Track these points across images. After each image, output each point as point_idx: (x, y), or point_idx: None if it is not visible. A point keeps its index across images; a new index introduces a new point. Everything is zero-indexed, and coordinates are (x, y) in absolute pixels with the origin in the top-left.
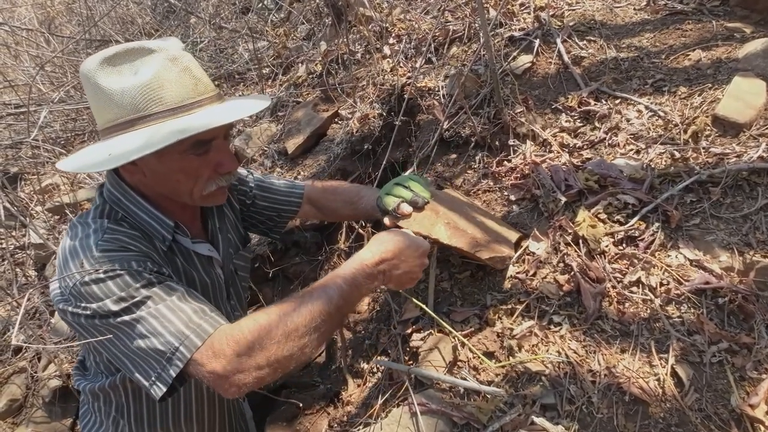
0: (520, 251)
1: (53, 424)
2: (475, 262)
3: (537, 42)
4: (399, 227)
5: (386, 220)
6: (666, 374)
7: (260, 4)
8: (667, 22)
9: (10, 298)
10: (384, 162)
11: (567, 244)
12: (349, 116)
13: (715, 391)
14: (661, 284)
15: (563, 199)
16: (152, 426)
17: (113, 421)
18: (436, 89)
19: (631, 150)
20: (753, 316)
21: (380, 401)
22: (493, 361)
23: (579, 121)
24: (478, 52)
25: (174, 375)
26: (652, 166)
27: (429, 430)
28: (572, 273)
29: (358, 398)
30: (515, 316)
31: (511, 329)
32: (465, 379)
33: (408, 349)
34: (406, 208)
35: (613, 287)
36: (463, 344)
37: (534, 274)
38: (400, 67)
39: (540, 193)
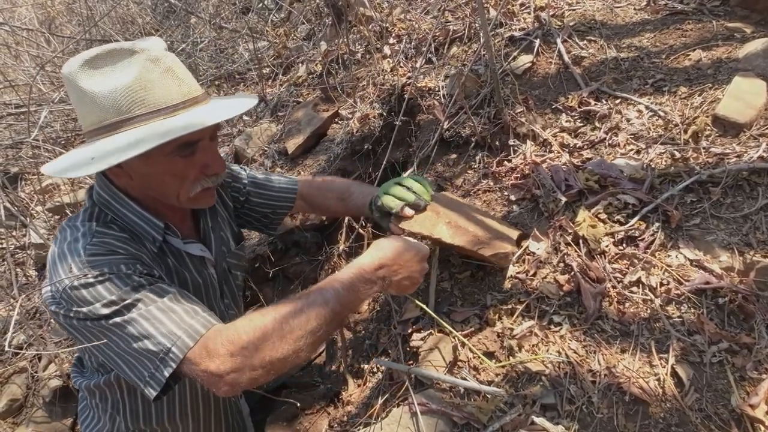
0: (520, 251)
1: (54, 424)
2: (475, 262)
3: (537, 42)
4: (401, 229)
5: (391, 226)
6: (666, 374)
7: (260, 4)
8: (667, 22)
9: (10, 298)
10: (384, 162)
11: (567, 244)
12: (350, 116)
13: (715, 391)
14: (662, 284)
15: (563, 199)
16: (147, 422)
17: (110, 418)
18: (437, 89)
19: (632, 150)
20: (753, 316)
21: (380, 401)
22: (494, 361)
23: (579, 121)
24: (478, 52)
25: (167, 375)
26: (653, 166)
27: (429, 430)
28: (572, 273)
29: (358, 398)
30: (515, 316)
31: (512, 329)
32: (465, 379)
33: (408, 349)
34: (408, 211)
35: (614, 287)
36: (463, 344)
37: (534, 274)
38: (401, 67)
39: (540, 193)
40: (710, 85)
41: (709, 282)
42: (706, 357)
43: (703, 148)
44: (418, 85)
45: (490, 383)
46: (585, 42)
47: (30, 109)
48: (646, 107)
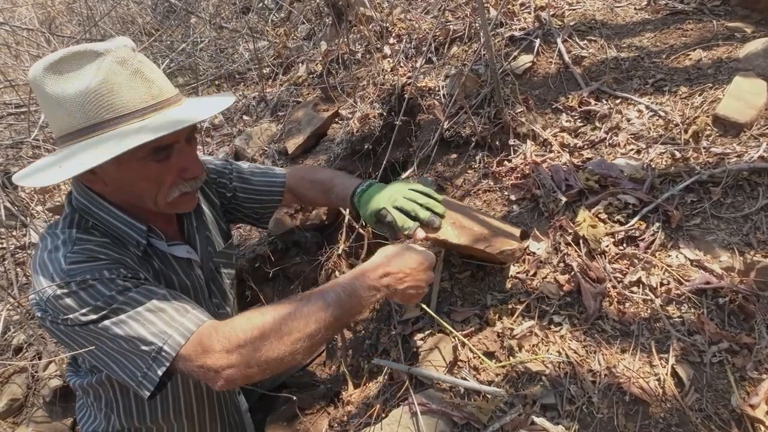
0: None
1: (54, 424)
2: (475, 262)
3: (537, 42)
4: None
5: (397, 232)
6: (666, 374)
7: (260, 4)
8: (667, 22)
9: (11, 298)
10: (384, 162)
11: (567, 244)
12: (350, 116)
13: (715, 391)
14: (662, 284)
15: (563, 199)
16: (142, 420)
17: (105, 416)
18: (437, 89)
19: (632, 150)
20: (753, 316)
21: (380, 401)
22: (494, 361)
23: (579, 120)
24: (478, 51)
25: (161, 374)
26: (653, 165)
27: (429, 430)
28: (572, 273)
29: (358, 398)
30: (515, 316)
31: (512, 329)
32: (465, 379)
33: (408, 349)
34: (420, 234)
35: (614, 287)
36: (463, 344)
37: (534, 274)
38: (401, 66)
39: (540, 193)
40: (711, 84)
41: (709, 282)
42: (706, 357)
43: (704, 148)
44: (419, 84)
45: (490, 383)
46: (585, 42)
47: (30, 109)
48: (647, 107)
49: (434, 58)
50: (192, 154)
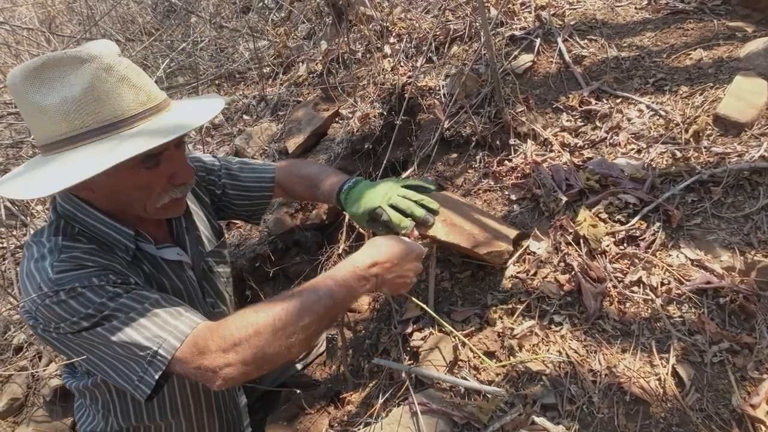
0: (520, 251)
1: (54, 423)
2: (475, 262)
3: (538, 41)
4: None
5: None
6: (667, 374)
7: (261, 3)
8: (668, 21)
9: (11, 297)
10: (385, 161)
11: (568, 244)
12: (350, 115)
13: (716, 391)
14: (662, 284)
15: (564, 199)
16: (140, 420)
17: (102, 417)
18: (437, 88)
19: (632, 149)
20: (754, 315)
21: (381, 401)
22: (494, 360)
23: (580, 120)
24: (478, 51)
25: (157, 377)
26: (653, 165)
27: (429, 430)
28: (573, 273)
29: (358, 398)
30: (516, 315)
31: (512, 329)
32: (465, 378)
33: (408, 348)
34: (415, 232)
35: (614, 287)
36: (463, 344)
37: (535, 274)
38: (401, 66)
39: (541, 193)
40: (711, 84)
41: (710, 282)
42: (707, 357)
43: (704, 147)
44: (419, 84)
45: (490, 383)
46: (586, 41)
47: None
48: (647, 106)
49: (435, 58)
50: (182, 160)
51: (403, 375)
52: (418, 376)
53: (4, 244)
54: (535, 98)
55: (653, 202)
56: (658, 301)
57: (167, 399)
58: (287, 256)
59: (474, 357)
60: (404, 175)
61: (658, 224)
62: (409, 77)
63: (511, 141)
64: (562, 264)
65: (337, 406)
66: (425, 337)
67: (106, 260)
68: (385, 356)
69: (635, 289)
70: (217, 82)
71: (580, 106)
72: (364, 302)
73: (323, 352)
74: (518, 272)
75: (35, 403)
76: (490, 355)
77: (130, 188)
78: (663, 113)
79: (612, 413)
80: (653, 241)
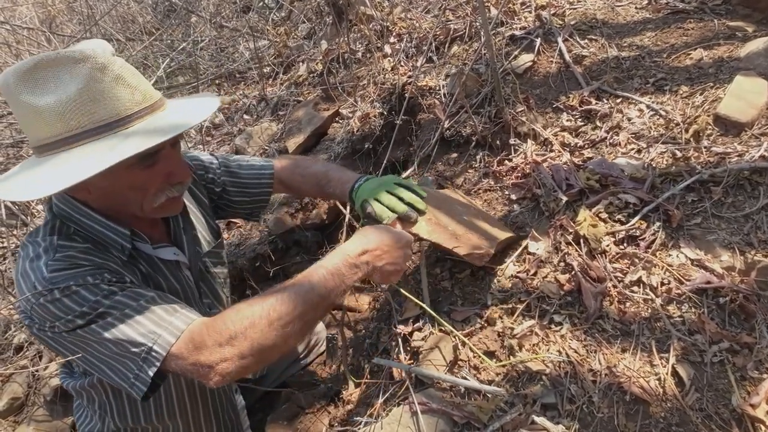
0: (519, 249)
1: (54, 423)
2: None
3: (538, 41)
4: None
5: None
6: (667, 374)
7: (261, 3)
8: (668, 21)
9: (11, 297)
10: (385, 161)
11: (568, 244)
12: (350, 115)
13: (716, 390)
14: (662, 284)
15: (564, 199)
16: (136, 421)
17: (99, 417)
18: (437, 88)
19: (633, 149)
20: (754, 315)
21: (381, 400)
22: (494, 360)
23: (580, 120)
24: (479, 51)
25: (152, 374)
26: (654, 165)
27: (429, 430)
28: (573, 272)
29: (358, 397)
30: (516, 315)
31: (512, 328)
32: (466, 378)
33: (409, 348)
34: (398, 225)
35: (614, 287)
36: (463, 343)
37: (535, 274)
38: (401, 66)
39: (541, 193)
40: (712, 84)
41: (710, 281)
42: (706, 356)
43: (705, 147)
44: (419, 84)
45: (490, 383)
46: (586, 41)
47: None
48: (647, 106)
49: (435, 58)
50: (178, 159)
51: (404, 375)
52: (419, 375)
53: (5, 244)
54: (535, 98)
55: (653, 202)
56: (658, 301)
57: (163, 400)
58: (287, 255)
59: (474, 357)
60: (404, 174)
61: (658, 224)
62: (410, 77)
63: (512, 141)
64: (562, 264)
65: (337, 405)
66: (425, 336)
67: (102, 259)
68: (386, 356)
69: (635, 288)
70: (217, 81)
71: (580, 106)
72: (364, 302)
73: (323, 352)
74: (518, 272)
75: (36, 403)
76: (490, 354)
77: (127, 188)
78: (663, 113)
79: (612, 413)
80: (653, 241)
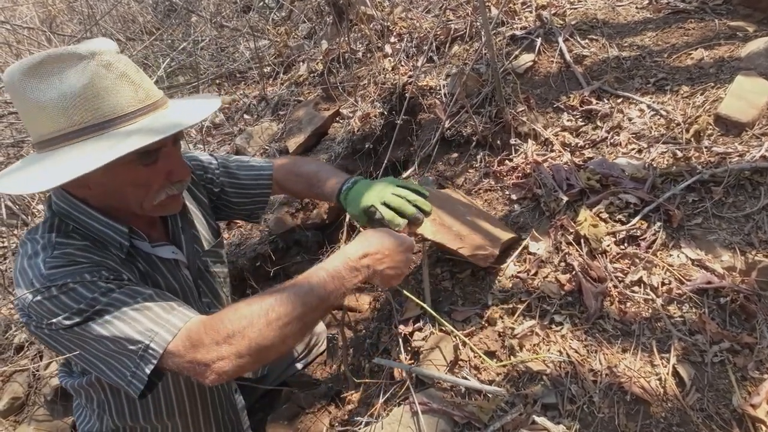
0: (519, 249)
1: (55, 422)
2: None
3: (539, 41)
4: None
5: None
6: (667, 374)
7: (261, 3)
8: (669, 21)
9: (11, 296)
10: (385, 161)
11: (568, 244)
12: (351, 115)
13: (716, 390)
14: (663, 284)
15: (565, 199)
16: (135, 420)
17: (98, 416)
18: (438, 88)
19: (633, 149)
20: (755, 315)
21: (381, 400)
22: (495, 360)
23: (581, 120)
24: (479, 50)
25: (149, 372)
26: (654, 165)
27: (430, 430)
28: (573, 272)
29: (359, 397)
30: (516, 315)
31: (513, 328)
32: (466, 378)
33: (409, 348)
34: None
35: (615, 287)
36: (464, 343)
37: (535, 274)
38: (402, 65)
39: (541, 193)
40: (712, 84)
41: (710, 282)
42: (707, 357)
43: (705, 147)
44: (420, 84)
45: (491, 383)
46: (587, 41)
47: None
48: (648, 106)
49: (435, 57)
50: (178, 157)
51: (404, 374)
52: (419, 375)
53: (5, 243)
54: (535, 98)
55: (654, 202)
56: (659, 301)
57: (162, 399)
58: (288, 255)
59: (475, 357)
60: (405, 174)
61: (658, 224)
62: (410, 77)
63: (512, 141)
64: (563, 264)
65: (337, 405)
66: (426, 336)
67: (100, 257)
68: (386, 356)
69: (636, 288)
70: (217, 81)
71: (580, 106)
72: (364, 302)
73: (324, 351)
74: (519, 272)
75: (36, 402)
76: (491, 354)
77: (127, 185)
78: (664, 113)
79: (612, 413)
80: (654, 241)
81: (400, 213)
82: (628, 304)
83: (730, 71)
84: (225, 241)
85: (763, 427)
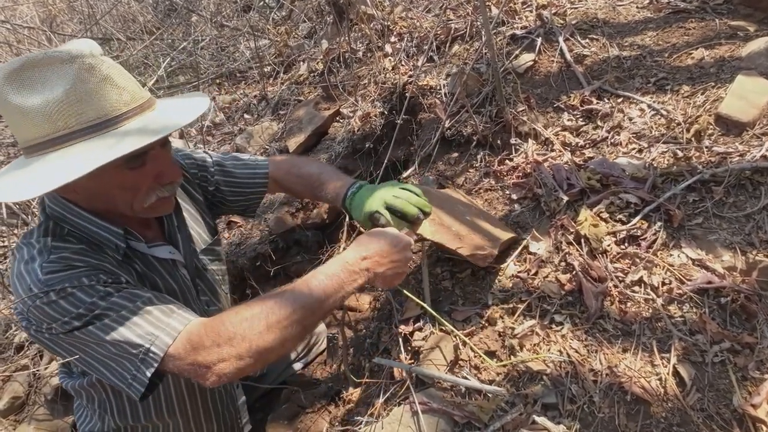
0: (519, 249)
1: (55, 422)
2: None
3: (539, 40)
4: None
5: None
6: (668, 374)
7: (261, 2)
8: (670, 21)
9: (11, 296)
10: (385, 160)
11: (569, 243)
12: (351, 115)
13: (717, 390)
14: (663, 284)
15: (565, 198)
16: (136, 419)
17: (99, 416)
18: (438, 88)
19: (634, 149)
20: (755, 315)
21: (381, 400)
22: (495, 360)
23: (581, 119)
24: (480, 50)
25: (150, 375)
26: (655, 165)
27: (430, 429)
28: (574, 272)
29: (359, 397)
30: (517, 315)
31: (513, 328)
32: (466, 378)
33: (409, 348)
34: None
35: (615, 286)
36: (464, 343)
37: (535, 274)
38: (402, 65)
39: (542, 192)
40: (713, 83)
41: (711, 281)
42: (708, 357)
43: (706, 147)
44: (420, 83)
45: (491, 382)
46: (587, 40)
47: None
48: (649, 106)
49: (435, 57)
50: (167, 159)
51: (404, 374)
52: (419, 375)
53: (6, 243)
54: (536, 97)
55: (654, 202)
56: (659, 301)
57: (163, 398)
58: (288, 255)
59: (475, 356)
60: (405, 174)
61: (659, 224)
62: (410, 76)
63: (512, 140)
64: (563, 263)
65: (337, 405)
66: (426, 336)
67: (96, 260)
68: (386, 355)
69: (636, 288)
70: (218, 81)
71: (581, 106)
72: (365, 301)
73: (324, 350)
74: (519, 272)
75: (36, 402)
76: (491, 354)
77: (114, 188)
78: (664, 113)
79: (613, 413)
80: (654, 241)
81: (403, 214)
82: (629, 304)
83: (731, 71)
84: (225, 241)
85: (764, 427)
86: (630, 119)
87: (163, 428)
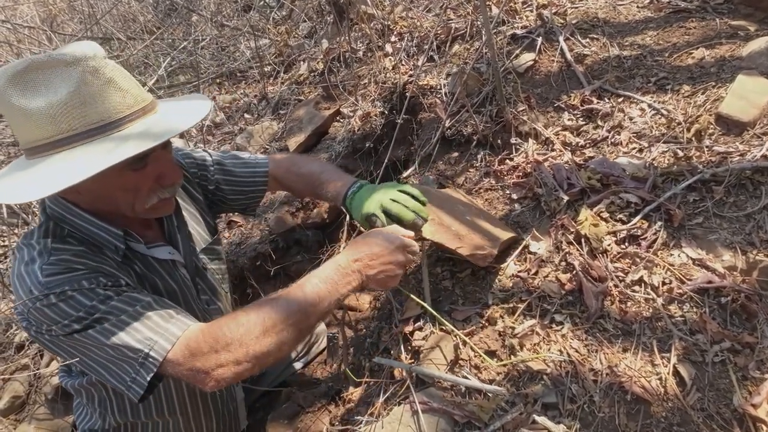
0: (519, 249)
1: (56, 421)
2: None
3: (539, 40)
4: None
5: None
6: (668, 373)
7: (262, 2)
8: (670, 20)
9: (12, 295)
10: (386, 160)
11: (569, 243)
12: (351, 114)
13: (717, 390)
14: (664, 283)
15: (565, 198)
16: (136, 417)
17: (100, 415)
18: (438, 87)
19: (634, 148)
20: (756, 315)
21: (381, 399)
22: (495, 359)
23: (581, 119)
24: (480, 50)
25: (149, 379)
26: (655, 164)
27: (430, 429)
28: (574, 272)
29: (359, 397)
30: (517, 314)
31: (513, 328)
32: (466, 377)
33: (409, 347)
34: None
35: (615, 286)
36: (464, 343)
37: (536, 273)
38: (402, 65)
39: (542, 192)
40: (713, 83)
41: (711, 281)
42: (708, 356)
43: (706, 146)
44: (420, 83)
45: (491, 382)
46: (587, 40)
47: None
48: (649, 105)
49: (436, 57)
50: (169, 161)
51: (404, 374)
52: (419, 374)
53: (6, 242)
54: (536, 97)
55: (655, 202)
56: (660, 301)
57: (163, 396)
58: (288, 254)
59: (475, 356)
60: (405, 174)
61: (659, 223)
62: (411, 76)
63: (513, 140)
64: (564, 263)
65: (337, 404)
66: (426, 336)
67: (96, 262)
68: (386, 355)
69: (636, 288)
70: (218, 80)
71: (581, 105)
72: (365, 301)
73: (324, 350)
74: (519, 271)
75: (37, 401)
76: (491, 354)
77: (117, 190)
78: (665, 112)
79: (613, 412)
80: (655, 241)
81: (399, 219)
82: (629, 304)
83: (732, 70)
84: (225, 240)
85: (764, 427)
86: (630, 119)
87: (163, 425)
